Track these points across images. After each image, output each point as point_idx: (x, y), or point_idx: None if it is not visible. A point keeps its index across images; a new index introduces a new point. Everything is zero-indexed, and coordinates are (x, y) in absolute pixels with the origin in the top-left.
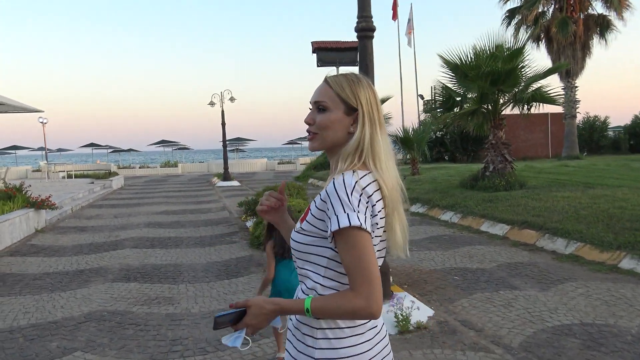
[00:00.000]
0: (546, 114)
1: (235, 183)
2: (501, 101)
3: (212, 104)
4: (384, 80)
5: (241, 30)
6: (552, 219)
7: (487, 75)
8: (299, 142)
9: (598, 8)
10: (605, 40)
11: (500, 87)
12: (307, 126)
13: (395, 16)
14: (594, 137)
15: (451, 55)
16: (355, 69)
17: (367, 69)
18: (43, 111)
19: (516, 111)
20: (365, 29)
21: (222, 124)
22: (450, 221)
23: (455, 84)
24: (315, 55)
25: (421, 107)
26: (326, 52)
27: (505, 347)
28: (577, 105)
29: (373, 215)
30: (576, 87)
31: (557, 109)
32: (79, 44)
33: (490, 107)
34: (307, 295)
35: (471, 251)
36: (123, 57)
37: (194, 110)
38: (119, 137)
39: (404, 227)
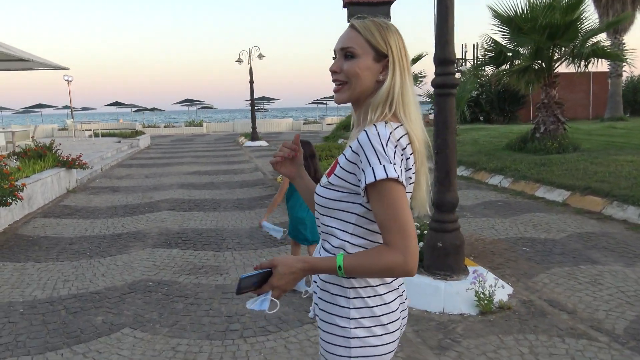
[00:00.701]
0: (588, 73)
1: (263, 143)
2: (555, 57)
3: (239, 61)
4: (415, 32)
5: None
6: (620, 184)
7: (544, 28)
8: (324, 101)
9: None
10: None
11: (557, 42)
12: (332, 78)
13: None
14: (638, 98)
15: (503, 6)
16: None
17: (446, 12)
18: (69, 68)
19: (562, 69)
20: None
21: (250, 81)
22: (500, 185)
23: (506, 38)
24: (345, 10)
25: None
26: (358, 7)
27: (609, 334)
28: (624, 64)
29: (407, 169)
30: (624, 43)
31: (601, 68)
32: (100, 3)
33: (543, 63)
34: (333, 254)
35: (533, 219)
36: (145, 16)
37: (217, 69)
38: (142, 96)
39: (428, 183)
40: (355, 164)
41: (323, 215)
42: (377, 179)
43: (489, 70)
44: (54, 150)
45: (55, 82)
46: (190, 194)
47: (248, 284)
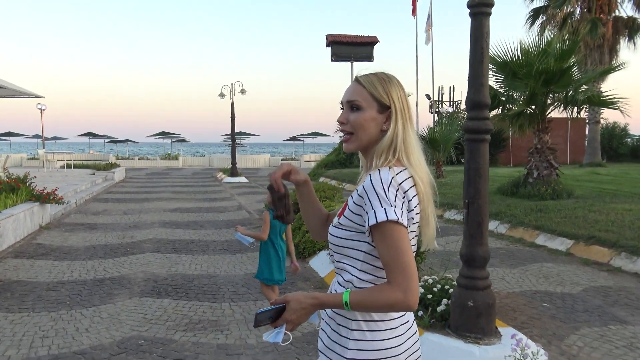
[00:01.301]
0: (566, 119)
1: (243, 179)
2: (548, 102)
3: (221, 95)
4: (399, 76)
5: (243, 20)
6: (625, 235)
7: (540, 73)
8: (301, 138)
9: (628, 10)
10: (634, 44)
11: (552, 88)
12: (340, 128)
13: (414, 12)
14: (613, 144)
15: (497, 50)
16: (370, 65)
17: (481, 54)
18: (43, 97)
19: (556, 114)
20: (483, 3)
21: (231, 116)
22: (496, 231)
23: (499, 83)
24: (329, 49)
25: (428, 108)
26: (341, 46)
27: None
28: (602, 111)
29: (409, 211)
30: (602, 91)
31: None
32: (76, 34)
33: (536, 108)
34: (344, 287)
35: (542, 270)
36: (122, 48)
37: (192, 102)
38: (114, 127)
39: (435, 220)
40: (361, 207)
41: (335, 252)
42: (379, 221)
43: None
44: (27, 183)
45: (26, 110)
46: (174, 233)
47: (264, 317)
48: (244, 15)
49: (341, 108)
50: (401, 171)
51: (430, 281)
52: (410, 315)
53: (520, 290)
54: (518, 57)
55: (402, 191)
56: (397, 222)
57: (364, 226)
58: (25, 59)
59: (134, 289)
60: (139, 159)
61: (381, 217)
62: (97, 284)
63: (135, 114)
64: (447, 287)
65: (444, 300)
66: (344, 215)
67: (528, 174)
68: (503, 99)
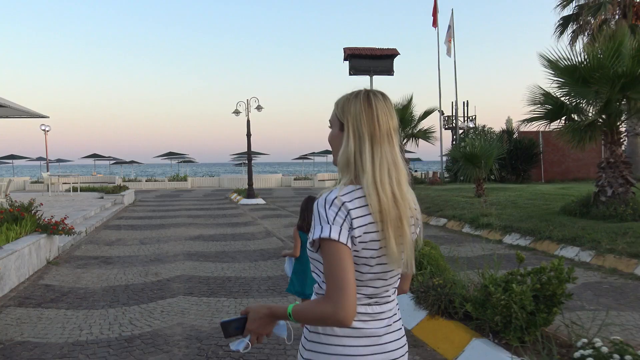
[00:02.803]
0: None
1: (260, 201)
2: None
3: (236, 112)
4: (421, 91)
5: (252, 35)
6: None
7: (619, 77)
8: (310, 157)
9: None
10: None
11: (628, 93)
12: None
13: (435, 23)
14: None
15: (557, 54)
16: (390, 79)
17: None
18: (48, 117)
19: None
20: None
21: (247, 134)
22: (578, 259)
23: (563, 90)
24: (347, 62)
25: (442, 123)
26: (359, 60)
27: None
28: None
29: (352, 228)
30: None
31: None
32: (79, 51)
33: (609, 118)
34: (319, 294)
35: None
36: (126, 68)
37: (198, 122)
38: (117, 148)
39: (404, 240)
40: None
41: (312, 264)
42: (314, 238)
43: (540, 125)
44: (33, 212)
45: (29, 132)
46: (204, 268)
47: (230, 328)
48: (252, 30)
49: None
50: (352, 191)
51: (605, 349)
52: (384, 330)
53: None
54: (586, 59)
55: (345, 209)
56: (330, 240)
57: None
58: (27, 76)
59: (173, 352)
60: (146, 181)
61: (316, 235)
62: (124, 345)
63: (138, 134)
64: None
65: None
66: (309, 232)
67: (600, 191)
68: (571, 108)
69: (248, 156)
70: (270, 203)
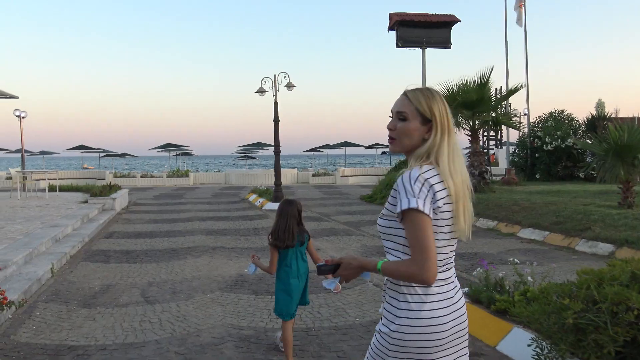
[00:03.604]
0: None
1: None
2: None
3: (261, 91)
4: (479, 68)
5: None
6: None
7: None
8: (322, 149)
9: None
10: None
11: None
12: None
13: None
14: None
15: None
16: (447, 52)
17: None
18: (17, 97)
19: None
20: None
21: (274, 120)
22: None
23: None
24: (393, 32)
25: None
26: (410, 29)
27: None
28: None
29: (435, 201)
30: None
31: None
32: (67, 41)
33: None
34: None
35: None
36: (117, 56)
37: (193, 112)
38: (108, 139)
39: (468, 214)
40: (395, 198)
41: (383, 239)
42: (402, 208)
43: None
44: None
45: (6, 121)
46: None
47: (326, 269)
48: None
49: (390, 116)
50: (430, 169)
51: None
52: (454, 292)
53: None
54: None
55: (428, 185)
56: (417, 210)
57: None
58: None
59: None
60: (141, 176)
61: (404, 206)
62: None
63: (132, 124)
64: None
65: None
66: (386, 207)
67: None
68: None
69: (275, 148)
70: (305, 209)
